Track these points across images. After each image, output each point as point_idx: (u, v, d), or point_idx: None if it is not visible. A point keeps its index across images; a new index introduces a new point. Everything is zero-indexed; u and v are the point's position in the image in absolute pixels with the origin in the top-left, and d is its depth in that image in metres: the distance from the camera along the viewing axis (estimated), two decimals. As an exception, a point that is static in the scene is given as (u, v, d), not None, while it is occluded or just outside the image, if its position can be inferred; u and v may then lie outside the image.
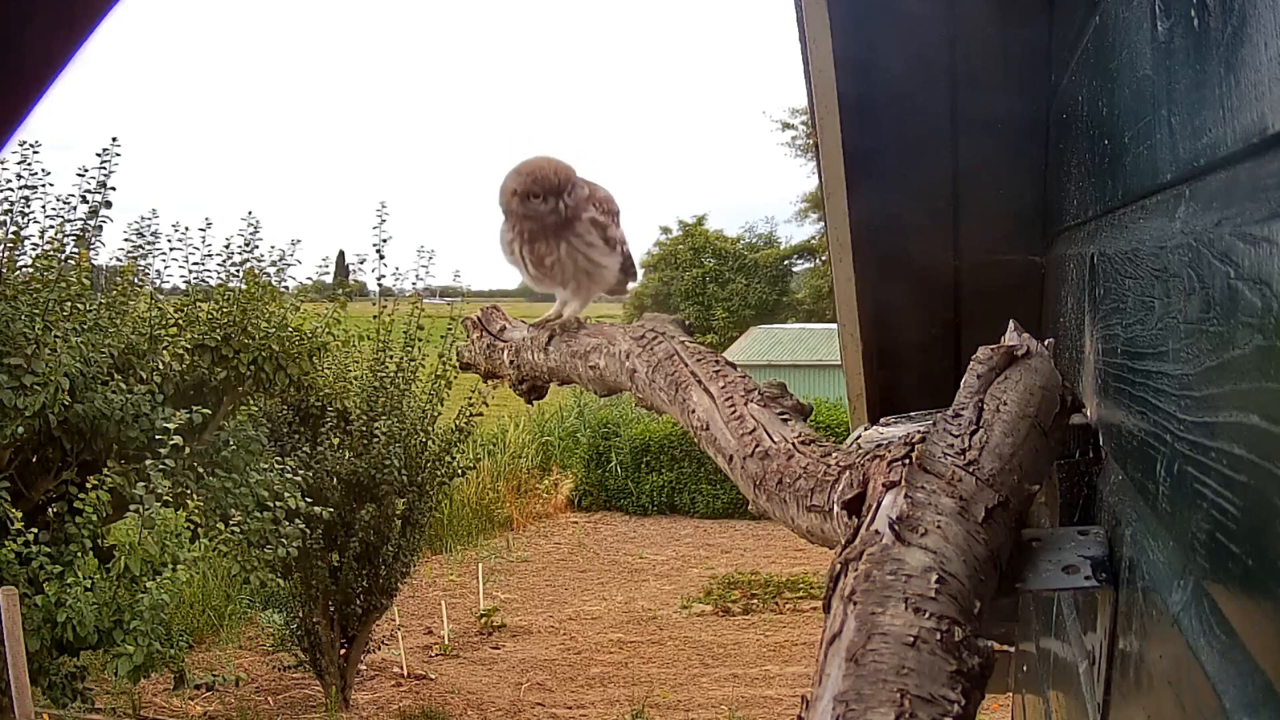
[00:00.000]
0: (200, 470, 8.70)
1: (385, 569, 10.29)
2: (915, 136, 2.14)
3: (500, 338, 1.85)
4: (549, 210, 1.62)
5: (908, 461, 0.94)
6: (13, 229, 8.51)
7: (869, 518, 0.92)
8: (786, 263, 34.57)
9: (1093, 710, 1.15)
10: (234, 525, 8.26)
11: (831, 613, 0.83)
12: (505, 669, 11.59)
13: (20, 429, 7.59)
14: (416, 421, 10.42)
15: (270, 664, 11.46)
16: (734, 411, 1.26)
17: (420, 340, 10.61)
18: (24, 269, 8.47)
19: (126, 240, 9.38)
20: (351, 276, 12.22)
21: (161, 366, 8.54)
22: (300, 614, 10.32)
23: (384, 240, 10.63)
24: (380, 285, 10.92)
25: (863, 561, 0.85)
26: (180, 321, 9.09)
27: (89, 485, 7.72)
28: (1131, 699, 0.96)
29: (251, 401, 9.78)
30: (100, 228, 8.88)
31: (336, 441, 10.15)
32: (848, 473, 1.03)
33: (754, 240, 34.86)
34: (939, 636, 0.78)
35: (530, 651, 12.06)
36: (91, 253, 8.73)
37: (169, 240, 9.51)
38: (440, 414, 10.73)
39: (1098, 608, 1.15)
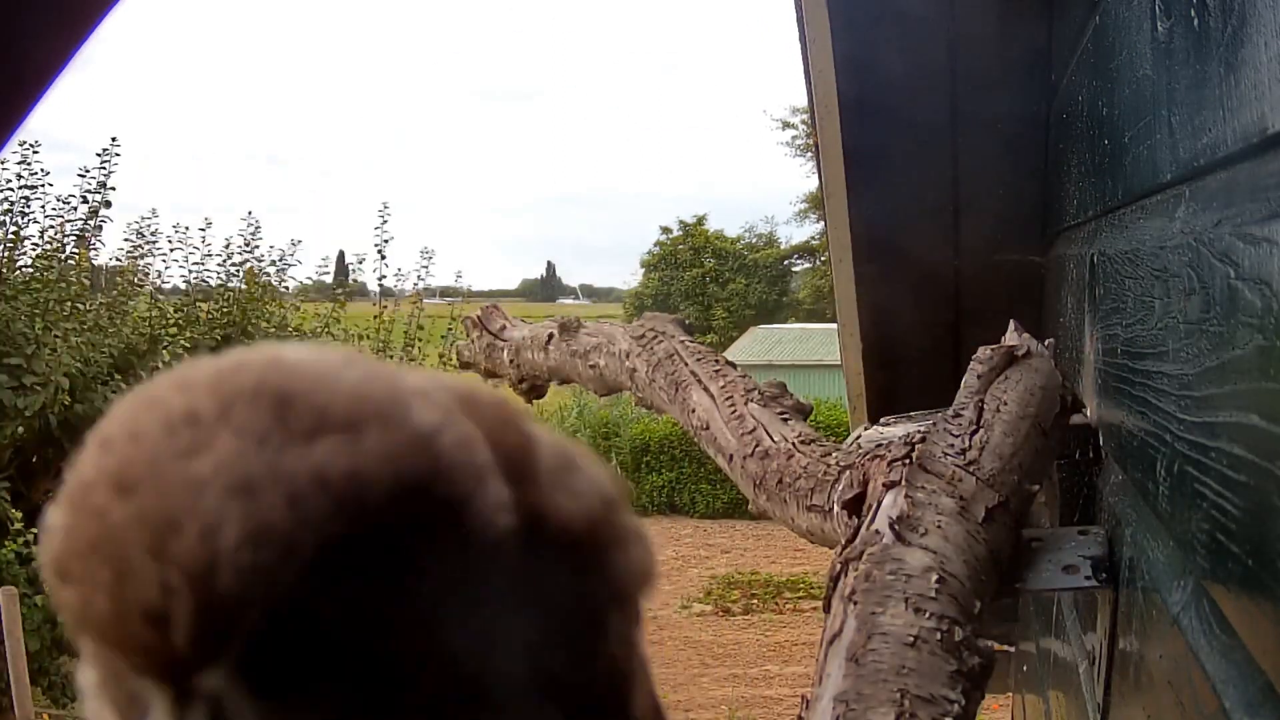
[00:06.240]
0: (200, 470, 8.69)
1: (385, 569, 10.30)
2: (915, 136, 2.14)
3: (500, 337, 1.86)
4: None
5: (908, 461, 0.94)
6: (13, 229, 8.51)
7: (869, 517, 0.92)
8: (786, 263, 34.54)
9: (1093, 710, 1.15)
10: (234, 525, 8.25)
11: (832, 613, 0.83)
12: (505, 669, 11.58)
13: (20, 429, 7.59)
14: (416, 421, 10.41)
15: (270, 664, 11.46)
16: (734, 411, 1.26)
17: (420, 340, 10.61)
18: (24, 269, 8.47)
19: (126, 240, 9.40)
20: (351, 276, 12.21)
21: (161, 366, 8.54)
22: (300, 614, 10.33)
23: (385, 240, 10.64)
24: (381, 285, 10.93)
25: (863, 561, 0.85)
26: (180, 321, 9.09)
27: (89, 485, 7.72)
28: (1131, 699, 0.96)
29: (251, 401, 9.78)
30: (100, 228, 8.89)
31: (336, 441, 10.15)
32: (848, 472, 1.03)
33: (754, 240, 34.82)
34: (939, 636, 0.78)
35: (530, 651, 12.05)
36: (91, 253, 8.73)
37: (169, 240, 9.53)
38: (440, 414, 10.72)
39: (1098, 608, 1.15)
